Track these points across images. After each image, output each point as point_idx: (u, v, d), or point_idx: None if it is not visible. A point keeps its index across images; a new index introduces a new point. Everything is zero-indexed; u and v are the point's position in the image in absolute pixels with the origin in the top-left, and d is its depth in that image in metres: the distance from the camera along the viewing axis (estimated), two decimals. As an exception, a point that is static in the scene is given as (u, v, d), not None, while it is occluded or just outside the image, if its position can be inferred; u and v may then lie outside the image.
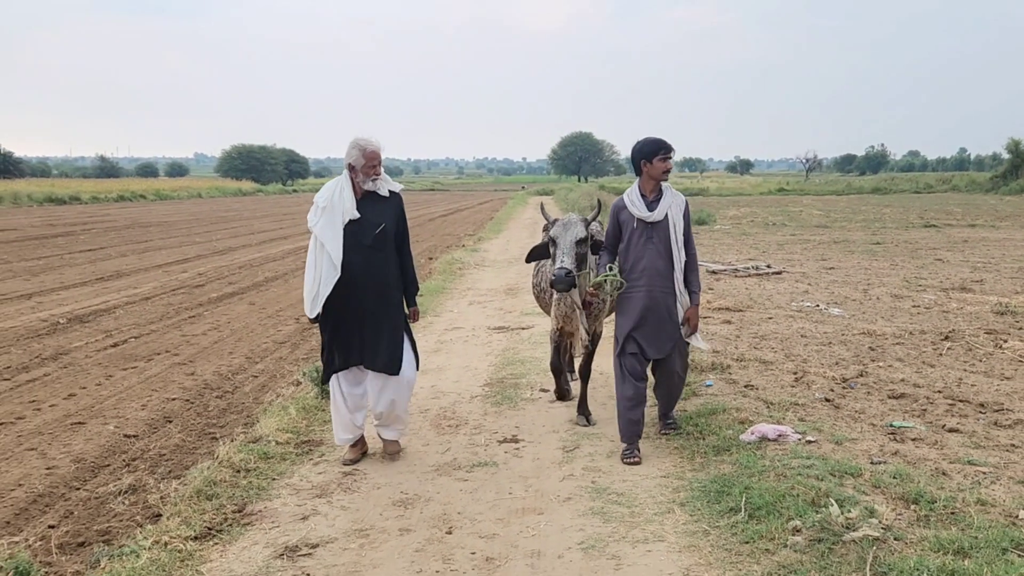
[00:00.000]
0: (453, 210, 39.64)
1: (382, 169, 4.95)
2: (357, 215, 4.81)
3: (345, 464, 4.99)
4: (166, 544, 3.79)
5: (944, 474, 4.17)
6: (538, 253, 5.56)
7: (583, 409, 5.77)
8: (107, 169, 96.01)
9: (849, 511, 3.53)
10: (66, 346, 8.61)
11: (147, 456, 5.30)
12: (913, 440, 4.83)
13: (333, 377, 4.99)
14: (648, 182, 5.01)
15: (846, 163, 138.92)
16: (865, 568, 3.15)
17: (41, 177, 70.53)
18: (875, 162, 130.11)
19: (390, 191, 4.99)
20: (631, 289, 4.96)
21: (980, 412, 5.46)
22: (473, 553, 3.75)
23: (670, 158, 4.98)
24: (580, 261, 5.05)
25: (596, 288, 5.02)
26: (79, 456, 5.29)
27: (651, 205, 4.96)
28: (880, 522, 3.45)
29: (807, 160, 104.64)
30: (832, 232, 22.36)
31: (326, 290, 4.76)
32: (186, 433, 5.77)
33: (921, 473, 4.13)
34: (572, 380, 6.39)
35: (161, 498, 4.45)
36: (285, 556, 3.73)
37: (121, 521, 4.26)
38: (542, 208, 5.87)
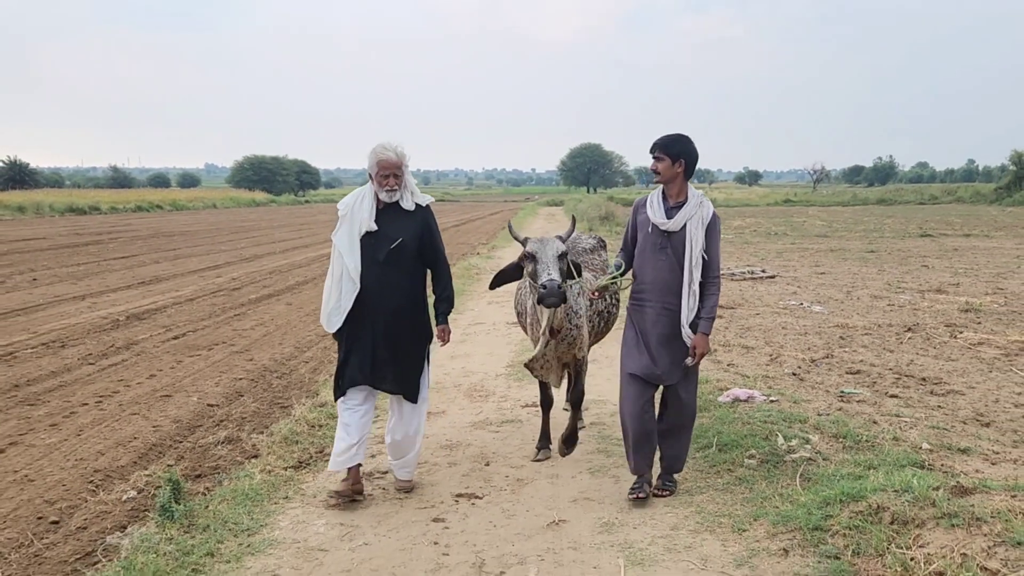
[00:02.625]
0: (465, 220, 40.81)
1: (405, 180, 4.61)
2: (374, 227, 4.54)
3: (330, 497, 4.58)
4: (270, 471, 4.95)
5: (874, 422, 5.29)
6: (508, 275, 5.01)
7: (569, 439, 5.20)
8: (120, 179, 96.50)
9: (791, 441, 4.67)
10: (133, 338, 9.76)
11: (231, 419, 6.44)
12: (858, 402, 5.95)
13: (342, 398, 4.74)
14: (670, 185, 4.44)
15: (854, 174, 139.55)
16: (796, 476, 4.29)
17: (54, 187, 71.37)
18: (883, 173, 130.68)
19: (417, 204, 4.68)
20: (640, 302, 4.52)
21: (921, 384, 6.57)
22: (507, 476, 4.94)
23: (655, 157, 4.42)
24: (562, 277, 4.50)
25: (601, 291, 4.64)
26: (176, 418, 6.44)
27: (670, 212, 4.40)
28: (813, 448, 4.58)
29: (814, 171, 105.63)
30: (831, 241, 23.29)
31: (347, 304, 4.57)
32: (259, 403, 6.91)
33: (855, 421, 5.25)
34: (581, 428, 5.59)
35: (254, 445, 5.61)
36: (369, 477, 4.93)
37: (226, 461, 5.41)
38: (509, 227, 5.20)
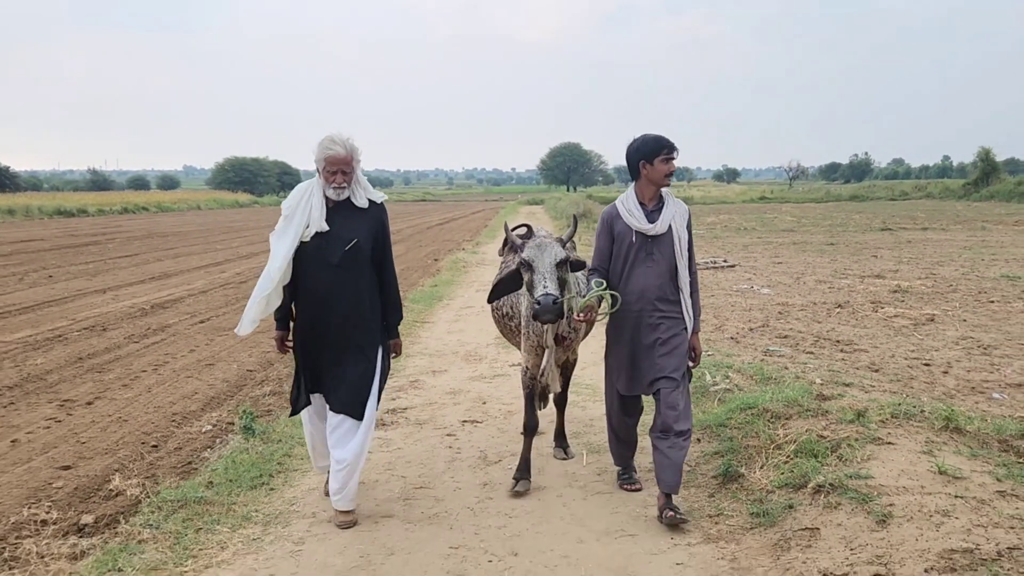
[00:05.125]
0: (448, 219, 42.18)
1: (355, 177, 4.24)
2: (326, 228, 4.16)
3: (327, 495, 4.46)
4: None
5: (786, 368, 6.74)
6: (506, 287, 4.66)
7: (561, 440, 5.32)
8: (99, 182, 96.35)
9: (716, 378, 6.13)
10: (164, 322, 11.06)
11: (271, 379, 7.81)
12: (779, 356, 7.41)
13: (304, 410, 4.53)
14: (647, 187, 4.32)
15: (831, 171, 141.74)
16: (715, 400, 5.76)
17: (33, 191, 71.55)
18: (859, 170, 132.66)
19: (370, 201, 4.32)
20: (626, 315, 4.33)
21: (835, 345, 8.05)
22: (500, 409, 6.41)
23: (673, 158, 4.28)
24: (561, 287, 4.19)
25: (586, 311, 4.25)
26: (224, 379, 7.80)
27: (651, 215, 4.29)
28: (732, 382, 6.04)
29: (791, 169, 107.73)
30: (795, 235, 24.60)
31: (257, 307, 4.19)
32: (290, 368, 8.18)
33: (771, 367, 6.70)
34: (569, 456, 5.40)
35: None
36: (393, 412, 6.36)
37: (275, 406, 6.80)
38: (506, 227, 4.89)
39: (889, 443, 4.26)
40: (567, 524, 4.26)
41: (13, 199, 48.86)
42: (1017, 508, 3.49)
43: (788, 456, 4.32)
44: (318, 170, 4.23)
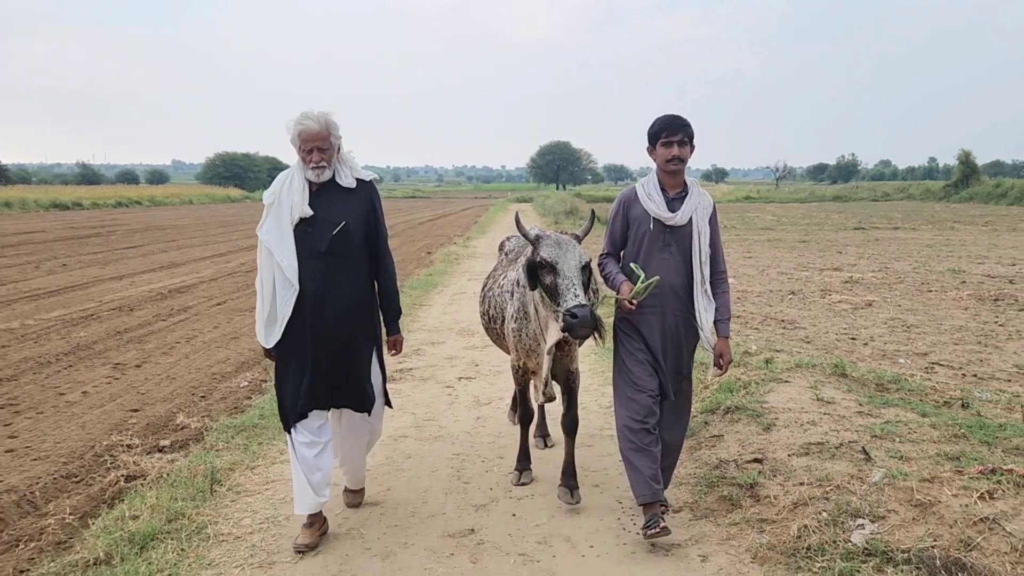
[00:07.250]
0: (439, 215, 43.39)
1: (337, 155, 3.95)
2: (309, 212, 3.85)
3: (297, 550, 3.96)
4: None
5: (735, 342, 7.99)
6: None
7: (568, 478, 4.49)
8: (88, 176, 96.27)
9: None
10: (185, 304, 12.21)
11: (290, 349, 9.01)
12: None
13: (293, 435, 4.07)
14: (663, 174, 4.02)
15: (818, 172, 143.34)
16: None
17: (23, 184, 71.87)
18: (846, 171, 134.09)
19: (358, 180, 4.01)
20: (639, 312, 3.97)
21: (779, 323, 9.31)
22: (490, 369, 7.68)
23: (677, 142, 3.91)
24: (584, 293, 3.76)
25: (635, 299, 3.87)
26: (250, 349, 8.99)
27: (672, 204, 3.98)
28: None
29: (778, 169, 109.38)
30: (772, 233, 25.64)
31: (286, 312, 3.85)
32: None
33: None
34: (548, 446, 5.46)
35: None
36: (400, 371, 7.62)
37: (299, 369, 8.00)
38: (517, 220, 4.26)
39: (786, 382, 5.55)
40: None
41: (6, 192, 49.32)
42: (866, 421, 4.77)
43: (712, 393, 5.59)
44: (296, 152, 3.95)
